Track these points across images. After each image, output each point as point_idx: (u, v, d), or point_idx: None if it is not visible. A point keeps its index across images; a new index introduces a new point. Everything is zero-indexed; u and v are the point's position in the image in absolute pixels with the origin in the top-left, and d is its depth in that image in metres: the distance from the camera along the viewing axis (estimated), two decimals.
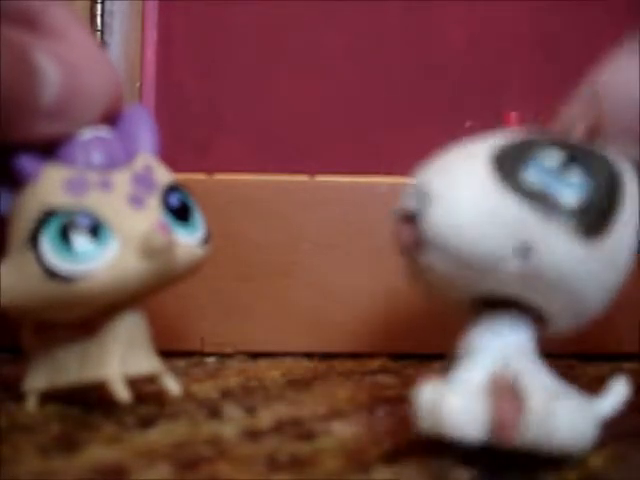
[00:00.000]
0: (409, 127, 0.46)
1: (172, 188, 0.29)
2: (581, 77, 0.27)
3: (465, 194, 0.24)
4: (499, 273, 0.24)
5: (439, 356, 0.38)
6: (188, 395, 0.31)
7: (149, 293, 0.29)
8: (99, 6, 0.44)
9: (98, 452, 0.25)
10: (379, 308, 0.39)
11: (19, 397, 0.29)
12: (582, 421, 0.24)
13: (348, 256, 0.39)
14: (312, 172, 0.40)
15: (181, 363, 0.37)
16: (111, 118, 0.29)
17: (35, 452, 0.25)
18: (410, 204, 0.25)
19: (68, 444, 0.26)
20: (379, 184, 0.39)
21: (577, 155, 0.24)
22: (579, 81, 0.27)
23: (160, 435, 0.27)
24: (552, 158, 0.24)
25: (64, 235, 0.27)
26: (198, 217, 0.30)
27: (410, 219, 0.24)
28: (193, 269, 0.29)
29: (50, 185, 0.27)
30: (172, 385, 0.29)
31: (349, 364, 0.37)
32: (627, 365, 0.37)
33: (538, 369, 0.25)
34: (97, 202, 0.27)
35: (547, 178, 0.23)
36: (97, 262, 0.27)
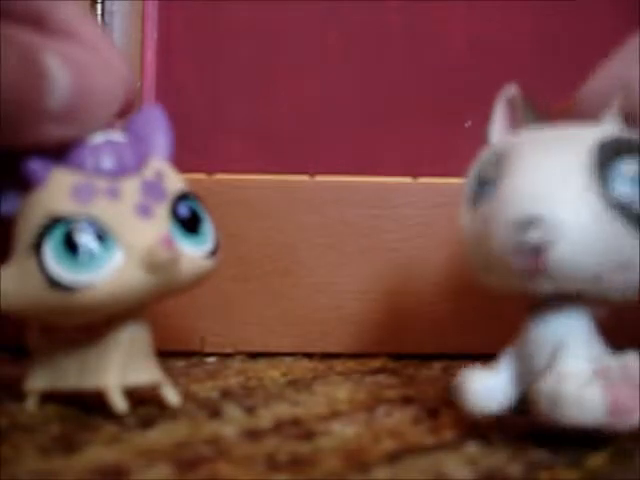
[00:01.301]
0: (409, 127, 0.46)
1: (183, 197, 0.28)
2: (582, 75, 0.27)
3: (584, 225, 0.24)
4: (603, 289, 0.25)
5: (439, 356, 0.38)
6: (188, 395, 0.31)
7: (152, 302, 0.28)
8: (99, 6, 0.44)
9: (98, 452, 0.25)
10: (379, 308, 0.39)
11: (19, 397, 0.29)
12: None
13: (348, 256, 0.39)
14: (312, 172, 0.40)
15: (181, 363, 0.37)
16: (123, 118, 0.28)
17: (35, 452, 0.25)
18: (532, 235, 0.25)
19: (68, 444, 0.26)
20: (380, 183, 0.39)
21: None
22: (589, 71, 0.27)
23: (160, 435, 0.27)
24: (633, 168, 0.25)
25: (68, 243, 0.26)
26: (208, 227, 0.29)
27: (533, 251, 0.25)
28: (198, 281, 0.29)
29: (57, 191, 0.27)
30: (171, 396, 0.29)
31: (349, 364, 0.37)
32: None
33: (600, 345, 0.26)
34: (103, 210, 0.27)
35: (633, 191, 0.25)
36: (99, 273, 0.26)
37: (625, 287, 0.25)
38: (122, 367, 0.28)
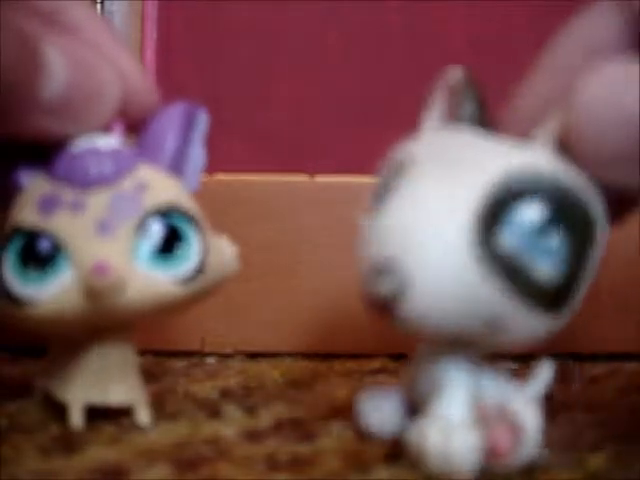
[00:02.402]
0: (409, 127, 0.46)
1: (164, 212, 0.26)
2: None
3: (443, 277, 0.22)
4: (469, 339, 0.23)
5: None
6: (188, 395, 0.31)
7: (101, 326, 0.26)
8: (99, 6, 0.44)
9: (98, 452, 0.25)
10: None
11: (19, 397, 0.29)
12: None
13: (348, 256, 0.39)
14: (312, 172, 0.40)
15: (181, 363, 0.37)
16: (135, 123, 0.28)
17: (35, 452, 0.25)
18: (382, 287, 0.22)
19: (68, 444, 0.26)
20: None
21: (559, 212, 0.22)
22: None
23: (160, 435, 0.27)
24: (534, 213, 0.22)
25: (23, 255, 0.26)
26: (190, 249, 0.26)
27: (383, 304, 0.23)
28: (164, 309, 0.26)
29: (26, 200, 0.26)
30: (142, 417, 0.27)
31: (349, 364, 0.37)
32: (627, 365, 0.37)
33: (496, 379, 0.24)
34: (62, 225, 0.25)
35: (524, 241, 0.21)
36: (45, 289, 0.25)
37: (489, 341, 0.23)
38: (87, 385, 0.27)
